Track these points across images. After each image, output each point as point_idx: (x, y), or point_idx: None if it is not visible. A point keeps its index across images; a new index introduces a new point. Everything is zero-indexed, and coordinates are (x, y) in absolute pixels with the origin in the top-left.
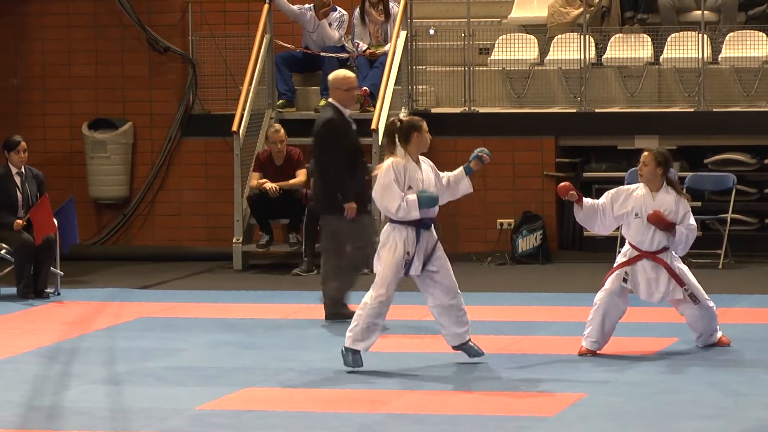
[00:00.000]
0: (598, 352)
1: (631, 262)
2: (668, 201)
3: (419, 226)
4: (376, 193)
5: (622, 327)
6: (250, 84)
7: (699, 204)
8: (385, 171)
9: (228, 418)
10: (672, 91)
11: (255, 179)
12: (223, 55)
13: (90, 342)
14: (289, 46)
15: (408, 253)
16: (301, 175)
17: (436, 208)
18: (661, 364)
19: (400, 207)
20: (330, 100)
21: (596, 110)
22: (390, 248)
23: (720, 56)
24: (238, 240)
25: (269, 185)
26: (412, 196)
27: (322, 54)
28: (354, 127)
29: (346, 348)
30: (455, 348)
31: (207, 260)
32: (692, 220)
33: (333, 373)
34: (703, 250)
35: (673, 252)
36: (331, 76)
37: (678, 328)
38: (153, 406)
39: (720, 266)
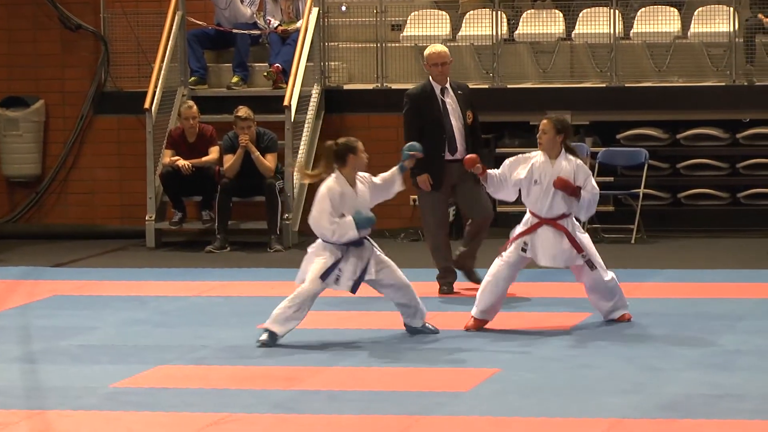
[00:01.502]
0: (486, 326)
1: (531, 229)
2: (567, 168)
3: (348, 243)
4: (312, 218)
5: (536, 302)
6: (162, 61)
7: (611, 179)
8: (321, 198)
9: (142, 396)
10: (584, 67)
11: (168, 157)
12: (136, 32)
13: (3, 321)
14: (201, 23)
15: (340, 269)
16: (214, 153)
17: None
18: (576, 339)
19: (335, 233)
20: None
21: (509, 86)
22: (322, 255)
23: (632, 31)
24: (151, 217)
25: (182, 162)
26: (348, 219)
27: (234, 31)
28: (445, 100)
29: (265, 328)
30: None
31: (120, 238)
32: (594, 183)
33: (248, 351)
34: (615, 225)
35: (577, 217)
36: None
37: None
38: (67, 385)
39: (632, 241)
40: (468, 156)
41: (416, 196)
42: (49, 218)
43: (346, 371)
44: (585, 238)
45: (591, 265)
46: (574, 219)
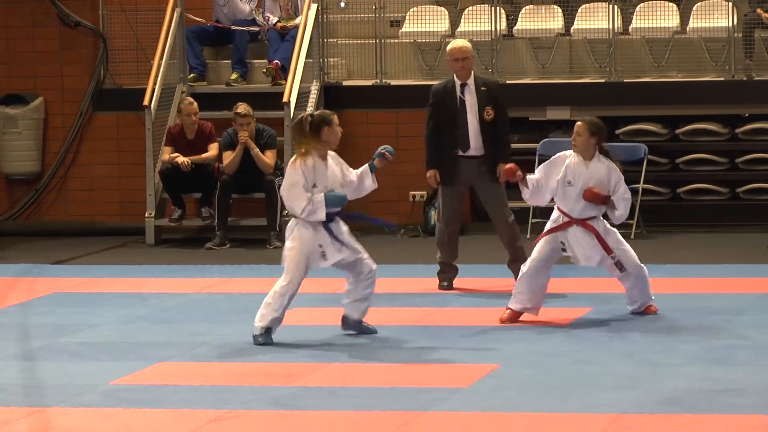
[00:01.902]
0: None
1: (561, 227)
2: (601, 170)
3: (327, 221)
4: (283, 190)
5: None
6: (161, 58)
7: None
8: (293, 171)
9: (142, 393)
10: (583, 62)
11: (167, 153)
12: (134, 29)
13: (3, 318)
14: (200, 19)
15: (321, 245)
16: (213, 149)
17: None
18: (575, 334)
19: (305, 209)
20: None
21: (508, 82)
22: (293, 240)
23: (631, 27)
24: (150, 214)
25: (181, 159)
26: (319, 196)
27: (233, 28)
28: (464, 96)
29: (257, 332)
30: (348, 324)
31: (120, 235)
32: (625, 187)
33: (247, 347)
34: None
35: (610, 219)
36: None
37: (591, 299)
38: (67, 382)
39: (632, 236)
40: (507, 167)
41: (415, 193)
42: (48, 215)
43: (344, 367)
44: (617, 235)
45: (620, 267)
46: (603, 220)
